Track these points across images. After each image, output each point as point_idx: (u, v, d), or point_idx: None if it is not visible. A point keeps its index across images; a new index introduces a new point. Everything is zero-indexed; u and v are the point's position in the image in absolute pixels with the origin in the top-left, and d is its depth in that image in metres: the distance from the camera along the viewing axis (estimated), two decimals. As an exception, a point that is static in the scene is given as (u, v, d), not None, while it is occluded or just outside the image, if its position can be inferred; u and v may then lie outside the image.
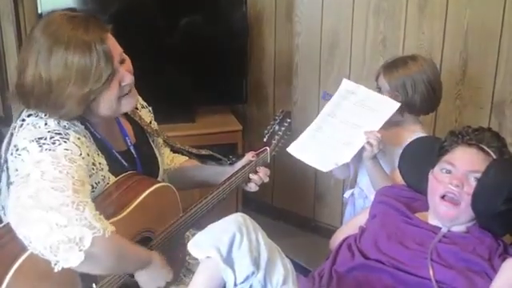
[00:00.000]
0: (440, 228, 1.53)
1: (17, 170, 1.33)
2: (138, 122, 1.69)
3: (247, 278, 1.26)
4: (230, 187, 1.71)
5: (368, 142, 1.80)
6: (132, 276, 1.43)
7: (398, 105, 1.84)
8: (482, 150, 1.53)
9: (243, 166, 1.76)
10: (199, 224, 1.55)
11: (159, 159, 1.72)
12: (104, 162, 1.47)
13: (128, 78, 1.45)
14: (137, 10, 2.74)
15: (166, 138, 1.77)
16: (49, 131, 1.35)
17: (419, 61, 1.93)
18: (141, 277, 1.41)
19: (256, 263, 1.26)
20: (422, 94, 1.90)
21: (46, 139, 1.33)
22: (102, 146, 1.49)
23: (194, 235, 1.34)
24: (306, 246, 2.68)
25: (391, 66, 1.94)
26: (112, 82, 1.41)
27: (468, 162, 1.52)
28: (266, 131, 1.91)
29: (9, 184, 1.41)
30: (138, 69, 1.53)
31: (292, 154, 1.91)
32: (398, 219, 1.59)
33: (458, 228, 1.53)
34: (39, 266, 1.22)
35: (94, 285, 1.34)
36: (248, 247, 1.25)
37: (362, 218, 1.74)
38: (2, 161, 1.42)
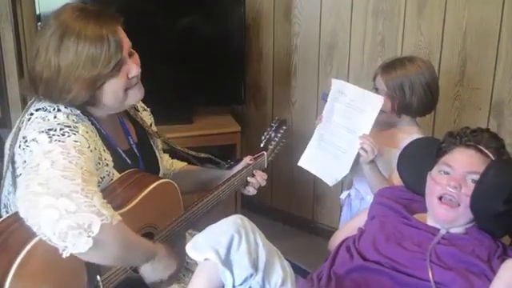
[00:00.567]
0: (438, 229, 1.53)
1: (25, 162, 1.34)
2: (139, 122, 1.71)
3: (246, 279, 1.26)
4: (229, 189, 1.73)
5: (362, 148, 1.81)
6: (135, 271, 1.43)
7: (382, 99, 1.82)
8: (480, 151, 1.53)
9: (241, 169, 1.78)
10: (198, 226, 1.55)
11: (160, 160, 1.74)
12: (109, 157, 1.49)
13: (135, 70, 1.48)
14: (135, 10, 2.74)
15: (165, 139, 1.78)
16: (58, 123, 1.37)
17: (417, 62, 1.93)
18: (145, 269, 1.42)
19: (254, 265, 1.26)
20: (419, 96, 1.90)
21: (55, 130, 1.34)
22: (107, 143, 1.51)
23: (192, 236, 1.34)
24: (304, 248, 2.68)
25: (389, 67, 1.93)
26: (120, 71, 1.44)
27: (466, 164, 1.52)
28: (262, 137, 1.93)
29: (15, 178, 1.42)
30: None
31: (302, 166, 1.96)
32: (397, 220, 1.59)
33: (457, 229, 1.53)
34: (46, 255, 1.22)
35: (98, 277, 1.34)
36: (246, 249, 1.25)
37: (360, 220, 1.73)
38: (8, 157, 1.43)
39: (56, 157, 1.27)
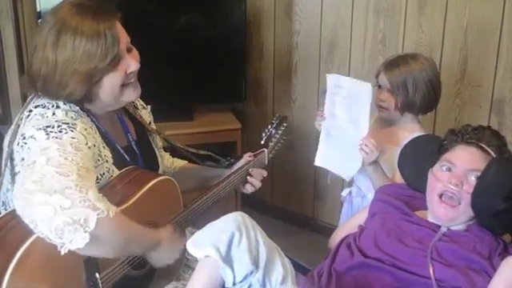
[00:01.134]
0: (439, 226, 1.53)
1: (23, 159, 1.34)
2: (138, 120, 1.70)
3: (246, 277, 1.26)
4: (229, 186, 1.74)
5: (362, 150, 1.80)
6: (136, 268, 1.43)
7: (369, 85, 1.81)
8: (482, 148, 1.53)
9: (241, 166, 1.78)
10: (197, 223, 1.55)
11: (159, 158, 1.74)
12: (109, 154, 1.49)
13: (134, 66, 1.48)
14: (135, 8, 2.74)
15: (165, 136, 1.78)
16: (56, 120, 1.37)
17: (420, 59, 1.93)
18: (150, 255, 1.42)
19: (255, 262, 1.26)
20: (422, 93, 1.90)
21: (53, 127, 1.35)
22: (107, 140, 1.51)
23: (192, 234, 1.33)
24: (305, 245, 2.68)
25: (392, 64, 1.93)
26: (118, 65, 1.44)
27: (467, 161, 1.52)
28: (263, 134, 1.93)
29: (14, 175, 1.42)
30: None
31: (319, 165, 1.96)
32: (398, 217, 1.58)
33: (458, 227, 1.53)
34: (44, 253, 1.22)
35: (96, 274, 1.34)
36: (247, 246, 1.25)
37: (361, 217, 1.73)
38: (6, 154, 1.43)
39: (52, 154, 1.27)
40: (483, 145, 1.53)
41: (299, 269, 1.53)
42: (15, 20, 2.84)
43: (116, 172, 1.51)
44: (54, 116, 1.39)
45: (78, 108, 1.45)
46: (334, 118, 1.92)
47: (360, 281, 1.46)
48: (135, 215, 1.41)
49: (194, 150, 1.86)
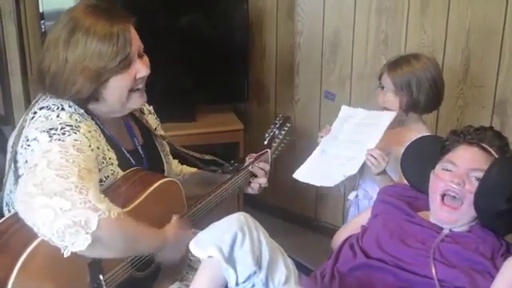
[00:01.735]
0: (442, 228, 1.53)
1: (27, 162, 1.34)
2: (145, 124, 1.70)
3: (249, 277, 1.25)
4: (233, 187, 1.73)
5: (369, 160, 1.80)
6: (139, 270, 1.43)
7: (394, 114, 1.84)
8: (484, 148, 1.53)
9: (246, 166, 1.78)
10: (200, 225, 1.55)
11: (165, 163, 1.73)
12: (114, 156, 1.49)
13: (144, 71, 1.49)
14: (138, 8, 2.73)
15: (170, 141, 1.78)
16: (60, 123, 1.37)
17: (422, 59, 1.93)
18: (160, 253, 1.43)
19: (258, 262, 1.25)
20: (426, 93, 1.90)
21: (56, 130, 1.34)
22: (112, 143, 1.51)
23: (194, 233, 1.34)
24: (307, 245, 2.68)
25: (395, 65, 1.93)
26: (128, 69, 1.45)
27: (469, 161, 1.52)
28: (266, 135, 1.93)
29: (17, 177, 1.42)
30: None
31: (297, 179, 1.91)
32: (401, 218, 1.58)
33: (460, 228, 1.53)
34: (48, 256, 1.22)
35: (100, 276, 1.34)
36: (250, 246, 1.25)
37: (364, 218, 1.73)
38: (10, 155, 1.43)
39: (53, 156, 1.26)
40: (485, 145, 1.53)
41: (302, 269, 1.53)
42: (18, 21, 2.85)
43: (121, 174, 1.51)
44: (58, 118, 1.39)
45: (82, 111, 1.45)
46: (335, 140, 1.92)
47: (363, 281, 1.46)
48: (139, 217, 1.40)
49: (198, 155, 1.85)
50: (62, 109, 1.42)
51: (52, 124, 1.36)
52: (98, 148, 1.42)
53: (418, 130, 1.91)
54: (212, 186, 1.81)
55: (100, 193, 1.25)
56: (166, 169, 1.73)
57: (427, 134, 1.90)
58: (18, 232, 1.26)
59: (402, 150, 1.82)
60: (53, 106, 1.43)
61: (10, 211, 1.49)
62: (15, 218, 1.28)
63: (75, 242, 1.16)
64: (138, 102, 1.54)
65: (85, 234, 1.16)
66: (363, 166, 1.85)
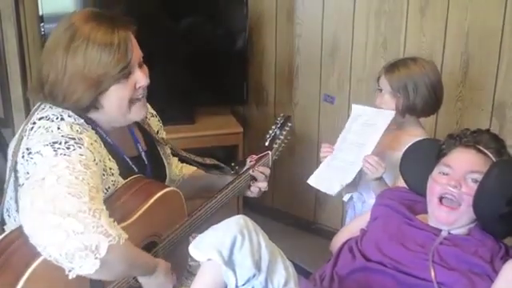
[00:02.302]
0: (440, 230, 1.53)
1: (28, 173, 1.32)
2: (147, 130, 1.69)
3: (248, 280, 1.25)
4: (233, 192, 1.72)
5: (365, 167, 1.81)
6: (138, 281, 1.42)
7: (392, 113, 1.85)
8: (480, 151, 1.54)
9: (246, 169, 1.77)
10: (201, 229, 1.55)
11: (167, 168, 1.73)
12: (115, 166, 1.47)
13: (143, 81, 1.47)
14: (137, 11, 2.75)
15: (172, 146, 1.78)
16: (62, 135, 1.35)
17: (421, 63, 1.94)
18: (144, 280, 1.40)
19: (257, 265, 1.25)
20: (423, 96, 1.90)
21: (60, 144, 1.32)
22: (113, 151, 1.49)
23: (194, 238, 1.33)
24: (306, 248, 2.68)
25: (393, 68, 1.94)
26: (128, 79, 1.43)
27: (465, 163, 1.53)
28: (267, 135, 1.92)
29: (16, 186, 1.40)
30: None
31: (311, 185, 1.95)
32: (400, 221, 1.59)
33: (459, 230, 1.53)
34: (50, 274, 1.21)
35: None
36: (249, 249, 1.25)
37: (362, 221, 1.74)
38: (11, 163, 1.41)
39: (61, 172, 1.25)
40: (481, 147, 1.53)
41: (301, 272, 1.53)
42: (17, 24, 2.85)
43: (122, 183, 1.49)
44: (59, 130, 1.36)
45: (82, 121, 1.43)
46: (344, 143, 1.93)
47: (362, 284, 1.46)
48: (140, 229, 1.40)
49: (199, 160, 1.85)
50: (62, 119, 1.39)
51: (54, 137, 1.34)
52: (100, 160, 1.40)
53: (414, 135, 1.91)
54: (212, 188, 1.81)
55: (108, 212, 1.24)
56: (167, 173, 1.72)
57: (425, 137, 1.90)
58: (20, 249, 1.25)
59: (397, 154, 1.82)
60: (52, 117, 1.40)
61: (9, 216, 1.48)
62: (17, 233, 1.27)
63: (83, 266, 1.16)
64: (139, 114, 1.52)
65: (94, 259, 1.16)
66: (361, 170, 1.86)
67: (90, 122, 1.45)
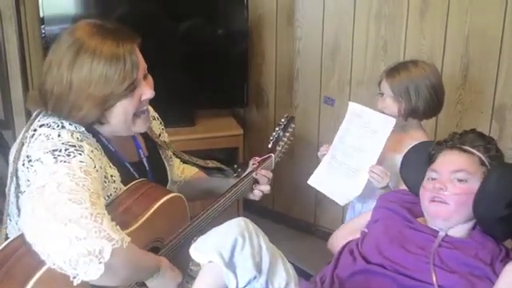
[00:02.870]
0: (438, 231, 1.54)
1: (28, 181, 1.31)
2: (148, 134, 1.68)
3: (249, 282, 1.25)
4: (236, 195, 1.72)
5: (371, 177, 1.83)
6: (141, 285, 1.42)
7: (393, 121, 1.85)
8: (464, 150, 1.55)
9: (247, 174, 1.77)
10: (202, 232, 1.55)
11: (168, 172, 1.73)
12: (116, 173, 1.46)
13: (149, 93, 1.46)
14: (138, 13, 2.75)
15: (174, 150, 1.77)
16: (63, 143, 1.34)
17: (421, 65, 1.94)
18: (150, 283, 1.40)
19: (258, 267, 1.26)
20: (425, 99, 1.90)
21: (60, 151, 1.31)
22: (114, 158, 1.48)
23: (196, 240, 1.34)
24: (307, 251, 2.68)
25: (393, 72, 1.94)
26: (134, 92, 1.41)
27: (449, 164, 1.55)
28: (271, 137, 1.91)
29: (18, 192, 1.40)
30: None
31: (312, 185, 1.97)
32: (401, 224, 1.59)
33: (458, 232, 1.54)
34: (54, 282, 1.21)
35: None
36: (250, 251, 1.25)
37: (360, 222, 1.74)
38: (12, 169, 1.40)
39: (62, 178, 1.24)
40: (466, 147, 1.55)
41: (302, 274, 1.54)
42: (18, 25, 2.85)
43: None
44: (59, 138, 1.35)
45: (83, 129, 1.42)
46: (342, 144, 1.94)
47: (362, 286, 1.46)
48: (144, 234, 1.40)
49: (202, 163, 1.85)
50: (63, 127, 1.39)
51: (54, 144, 1.33)
52: (101, 168, 1.39)
53: (417, 138, 1.91)
54: (215, 190, 1.81)
55: (111, 216, 1.24)
56: (169, 177, 1.72)
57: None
58: (24, 258, 1.24)
59: (399, 157, 1.83)
60: (53, 124, 1.39)
61: (10, 220, 1.48)
62: (20, 240, 1.26)
63: (87, 271, 1.15)
64: (143, 126, 1.51)
65: (98, 264, 1.16)
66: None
67: (91, 130, 1.44)
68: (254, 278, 1.25)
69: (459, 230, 1.54)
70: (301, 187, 3.12)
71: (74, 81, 1.35)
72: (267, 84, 3.15)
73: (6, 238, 1.44)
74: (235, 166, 1.88)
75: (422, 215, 1.62)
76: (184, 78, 2.89)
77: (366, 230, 1.65)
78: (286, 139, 1.92)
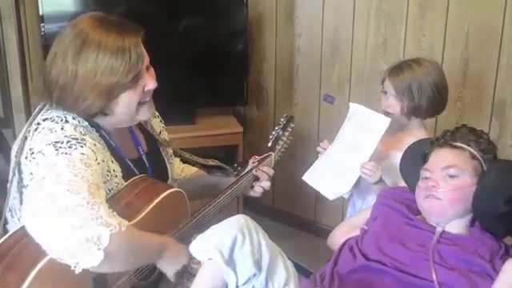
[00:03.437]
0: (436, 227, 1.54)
1: (31, 174, 1.33)
2: (149, 131, 1.69)
3: (249, 279, 1.26)
4: (236, 192, 1.73)
5: (363, 173, 1.84)
6: (143, 279, 1.43)
7: (388, 121, 1.84)
8: (455, 146, 1.56)
9: (247, 172, 1.78)
10: (202, 230, 1.55)
11: (169, 169, 1.73)
12: (118, 168, 1.47)
13: (152, 84, 1.48)
14: (137, 11, 2.75)
15: (175, 148, 1.78)
16: (65, 136, 1.35)
17: (424, 64, 1.93)
18: (161, 264, 1.42)
19: (258, 265, 1.26)
20: (428, 97, 1.90)
21: (62, 143, 1.33)
22: (116, 154, 1.50)
23: (195, 238, 1.34)
24: (307, 248, 2.68)
25: (396, 70, 1.93)
26: (138, 82, 1.43)
27: (439, 162, 1.56)
28: (270, 136, 1.93)
29: (21, 187, 1.41)
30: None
31: (306, 180, 1.98)
32: (400, 220, 1.59)
33: (456, 228, 1.54)
34: (55, 273, 1.22)
35: None
36: (250, 249, 1.25)
37: (360, 219, 1.74)
38: (14, 164, 1.41)
39: (61, 170, 1.25)
40: (456, 143, 1.56)
41: (302, 271, 1.54)
42: (18, 24, 2.85)
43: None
44: (62, 131, 1.37)
45: (86, 123, 1.43)
46: (340, 142, 1.95)
47: (362, 283, 1.46)
48: (145, 228, 1.40)
49: (202, 161, 1.85)
50: (66, 121, 1.40)
51: (57, 137, 1.34)
52: (103, 161, 1.41)
53: (418, 136, 1.90)
54: (215, 188, 1.82)
55: (108, 207, 1.25)
56: (169, 174, 1.72)
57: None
58: (26, 248, 1.26)
59: (399, 155, 1.83)
60: (56, 118, 1.40)
61: (12, 216, 1.49)
62: (22, 232, 1.27)
63: (87, 259, 1.16)
64: (146, 114, 1.53)
65: (97, 250, 1.17)
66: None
67: (94, 125, 1.46)
68: (254, 275, 1.26)
69: (456, 226, 1.54)
70: (301, 185, 3.10)
71: (79, 72, 1.36)
72: (267, 82, 3.15)
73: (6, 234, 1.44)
74: (235, 164, 1.89)
75: (421, 212, 1.63)
76: (184, 76, 2.88)
77: (366, 227, 1.65)
78: (285, 138, 1.94)
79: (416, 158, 1.71)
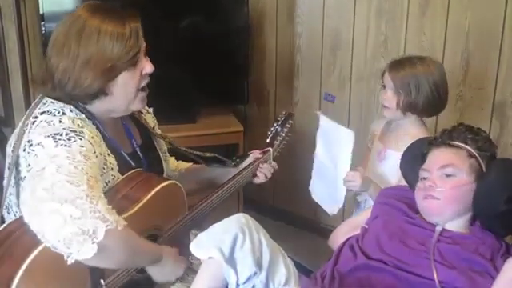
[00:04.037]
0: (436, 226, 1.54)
1: (29, 166, 1.33)
2: (143, 124, 1.70)
3: (249, 278, 1.26)
4: (234, 186, 1.75)
5: (348, 187, 1.84)
6: (140, 272, 1.44)
7: (352, 134, 1.81)
8: (452, 145, 1.56)
9: (247, 166, 1.78)
10: (202, 226, 1.56)
11: (163, 162, 1.74)
12: (114, 161, 1.49)
13: (149, 68, 1.51)
14: (138, 9, 2.74)
15: (171, 140, 1.79)
16: (64, 128, 1.37)
17: (427, 62, 1.91)
18: (152, 270, 1.43)
19: (258, 263, 1.26)
20: (425, 96, 1.89)
21: (61, 135, 1.34)
22: (112, 147, 1.51)
23: (195, 234, 1.34)
24: (307, 247, 2.68)
25: (397, 65, 1.92)
26: (136, 65, 1.46)
27: (437, 161, 1.55)
28: (268, 132, 1.93)
29: (18, 180, 1.42)
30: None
31: (311, 193, 2.03)
32: (401, 219, 1.59)
33: (456, 227, 1.54)
34: (50, 262, 1.22)
35: (102, 281, 1.34)
36: (250, 247, 1.25)
37: (362, 218, 1.74)
38: (11, 159, 1.42)
39: (62, 161, 1.27)
40: (453, 142, 1.56)
41: (302, 270, 1.54)
42: (18, 22, 2.85)
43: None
44: (60, 123, 1.38)
45: (83, 116, 1.45)
46: (321, 154, 1.96)
47: (363, 282, 1.46)
48: (141, 221, 1.42)
49: (199, 153, 1.86)
50: (64, 113, 1.42)
51: (56, 129, 1.36)
52: (101, 154, 1.42)
53: (416, 135, 1.90)
54: (213, 180, 1.83)
55: (108, 204, 1.25)
56: (164, 168, 1.74)
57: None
58: (22, 237, 1.27)
59: (398, 154, 1.82)
60: (54, 111, 1.42)
61: (9, 213, 1.49)
62: (18, 223, 1.28)
63: (81, 250, 1.17)
64: (141, 103, 1.55)
65: (91, 243, 1.17)
66: None
67: (91, 118, 1.48)
68: (255, 273, 1.26)
69: (456, 224, 1.54)
70: (301, 183, 3.11)
71: (81, 53, 1.40)
72: (268, 80, 3.15)
73: None
74: (234, 157, 1.90)
75: (421, 211, 1.63)
76: (184, 75, 2.88)
77: (367, 226, 1.65)
78: (283, 134, 1.94)
79: (416, 158, 1.71)
